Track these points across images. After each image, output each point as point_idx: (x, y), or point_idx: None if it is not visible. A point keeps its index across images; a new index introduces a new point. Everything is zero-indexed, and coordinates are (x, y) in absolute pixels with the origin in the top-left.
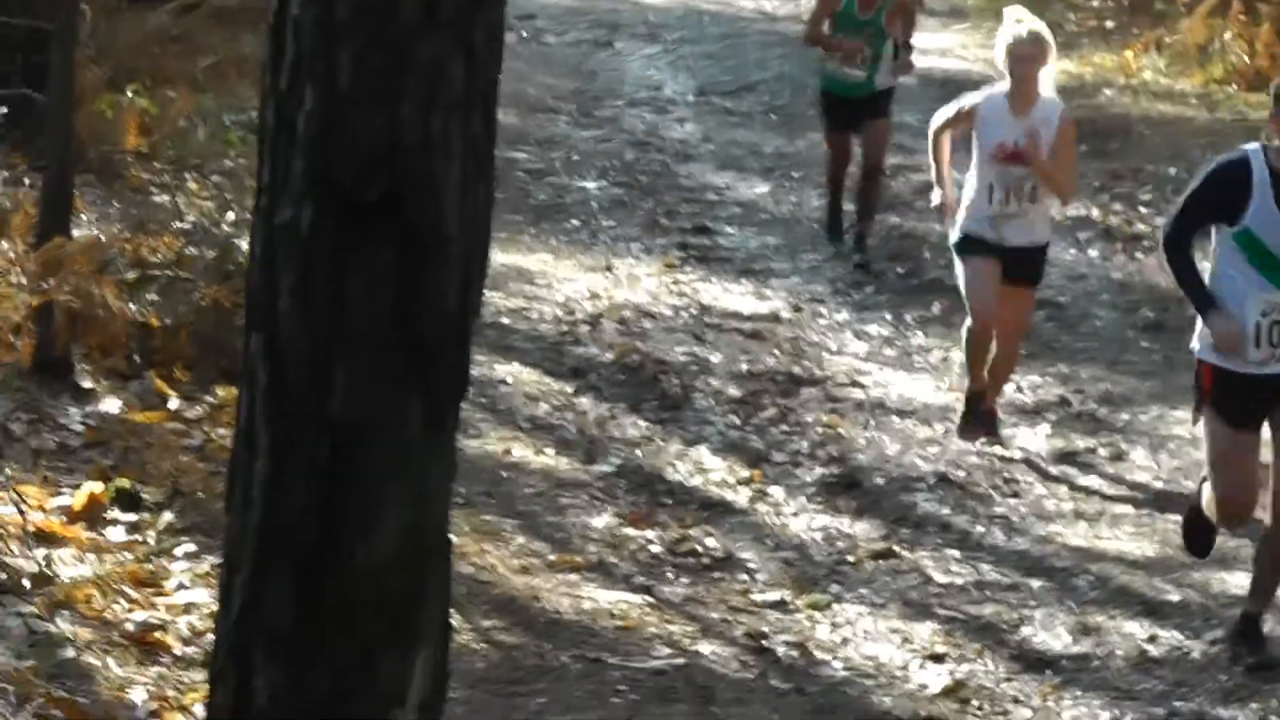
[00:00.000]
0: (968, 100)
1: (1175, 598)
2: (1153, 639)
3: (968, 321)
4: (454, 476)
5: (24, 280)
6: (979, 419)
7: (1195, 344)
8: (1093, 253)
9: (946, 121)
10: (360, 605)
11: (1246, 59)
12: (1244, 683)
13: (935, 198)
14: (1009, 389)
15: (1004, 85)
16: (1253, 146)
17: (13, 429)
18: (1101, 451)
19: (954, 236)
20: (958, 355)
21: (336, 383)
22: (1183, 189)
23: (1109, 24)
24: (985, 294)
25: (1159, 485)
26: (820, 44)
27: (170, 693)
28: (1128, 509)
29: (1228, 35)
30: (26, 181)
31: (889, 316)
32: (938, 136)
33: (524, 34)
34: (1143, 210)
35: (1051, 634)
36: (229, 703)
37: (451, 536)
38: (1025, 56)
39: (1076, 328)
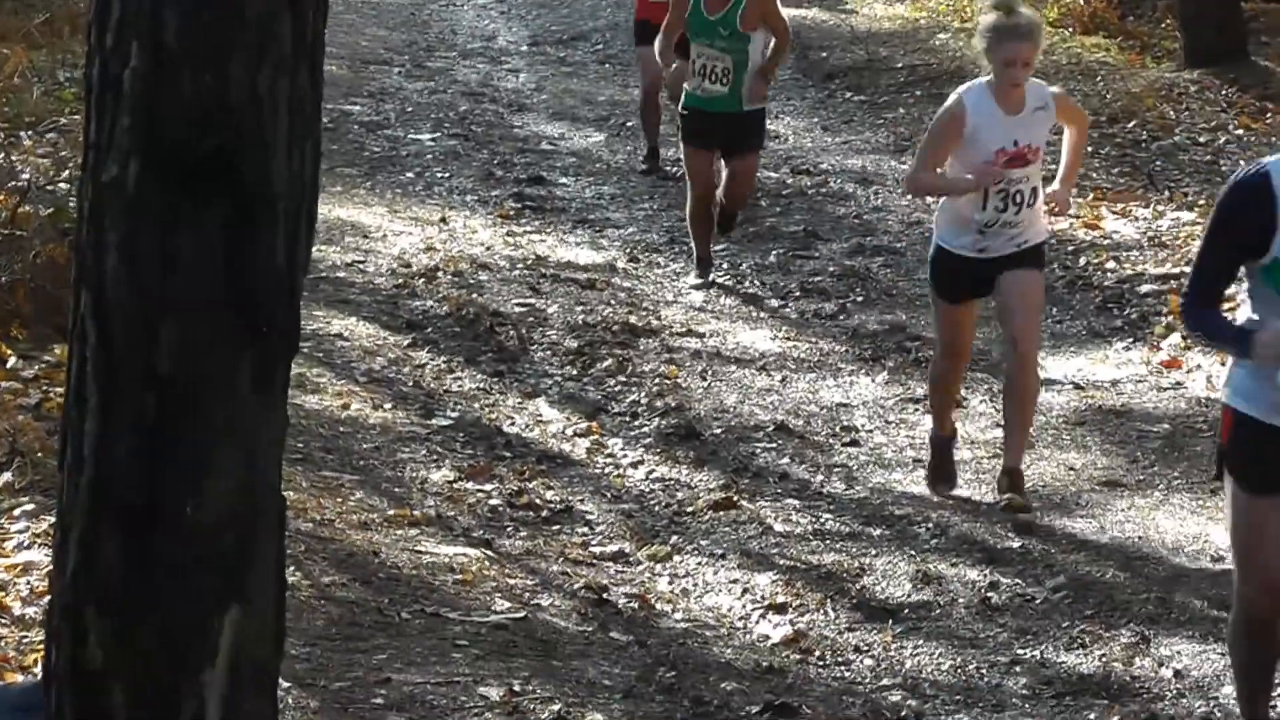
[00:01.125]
0: (948, 111)
1: (1016, 545)
2: (994, 586)
3: (935, 356)
4: (285, 433)
5: None
6: (947, 470)
7: (1221, 390)
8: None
9: (929, 158)
10: (190, 563)
11: (1082, 1)
12: (1087, 629)
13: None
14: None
15: (985, 79)
16: (1273, 159)
17: None
18: None
19: (931, 249)
20: (795, 305)
21: (164, 340)
22: None
23: None
24: (960, 334)
25: (998, 431)
26: (662, 61)
27: (11, 654)
28: (966, 455)
29: None
30: None
31: (725, 265)
32: (924, 185)
33: None
34: None
35: (893, 582)
36: (64, 662)
37: (289, 493)
38: (1018, 57)
39: (914, 274)
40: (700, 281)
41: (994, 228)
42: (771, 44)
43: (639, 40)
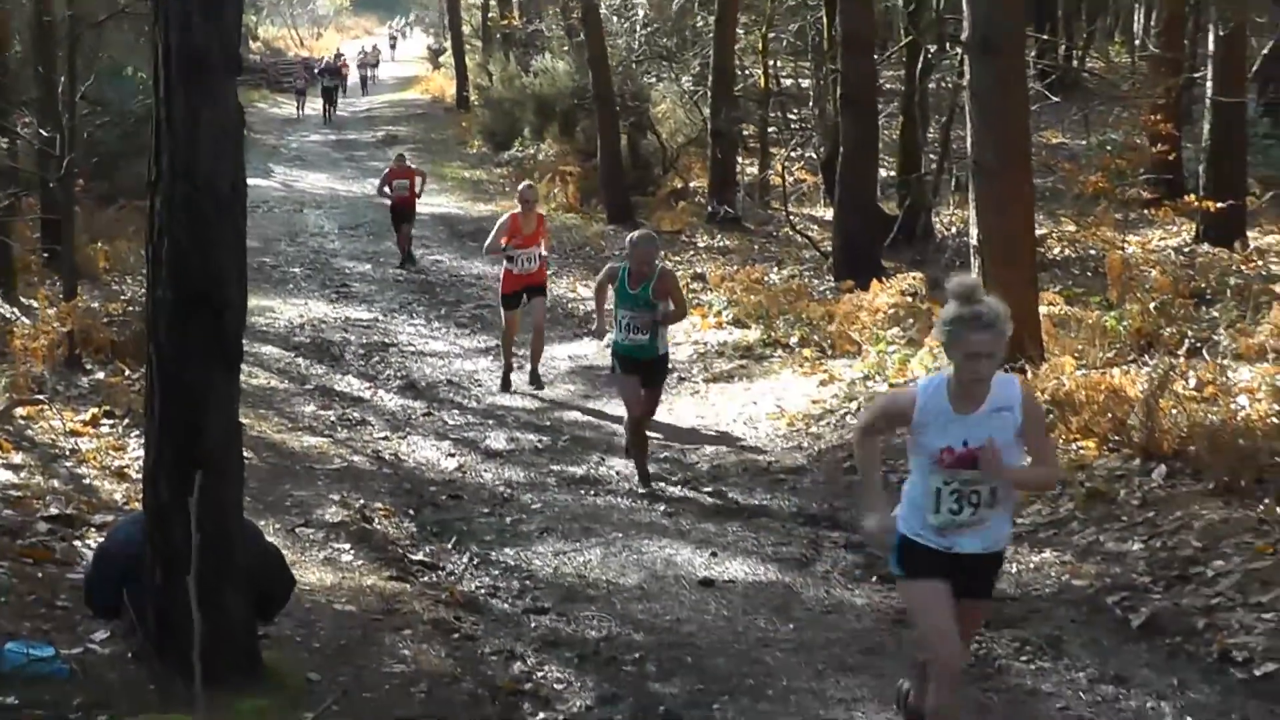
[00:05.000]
0: (897, 398)
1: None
2: (528, 427)
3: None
4: (239, 395)
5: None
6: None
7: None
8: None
9: (874, 421)
10: (201, 457)
11: (565, 197)
12: (587, 457)
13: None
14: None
15: (947, 372)
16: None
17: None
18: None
19: (895, 539)
20: (455, 330)
21: (189, 380)
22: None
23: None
24: (949, 619)
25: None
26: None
27: (127, 500)
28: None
29: (556, 189)
30: None
31: (428, 315)
32: (860, 451)
33: (262, 208)
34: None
35: (494, 440)
36: (150, 503)
37: (245, 420)
38: (981, 349)
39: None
40: (645, 490)
41: (950, 531)
42: (671, 307)
43: (506, 306)
